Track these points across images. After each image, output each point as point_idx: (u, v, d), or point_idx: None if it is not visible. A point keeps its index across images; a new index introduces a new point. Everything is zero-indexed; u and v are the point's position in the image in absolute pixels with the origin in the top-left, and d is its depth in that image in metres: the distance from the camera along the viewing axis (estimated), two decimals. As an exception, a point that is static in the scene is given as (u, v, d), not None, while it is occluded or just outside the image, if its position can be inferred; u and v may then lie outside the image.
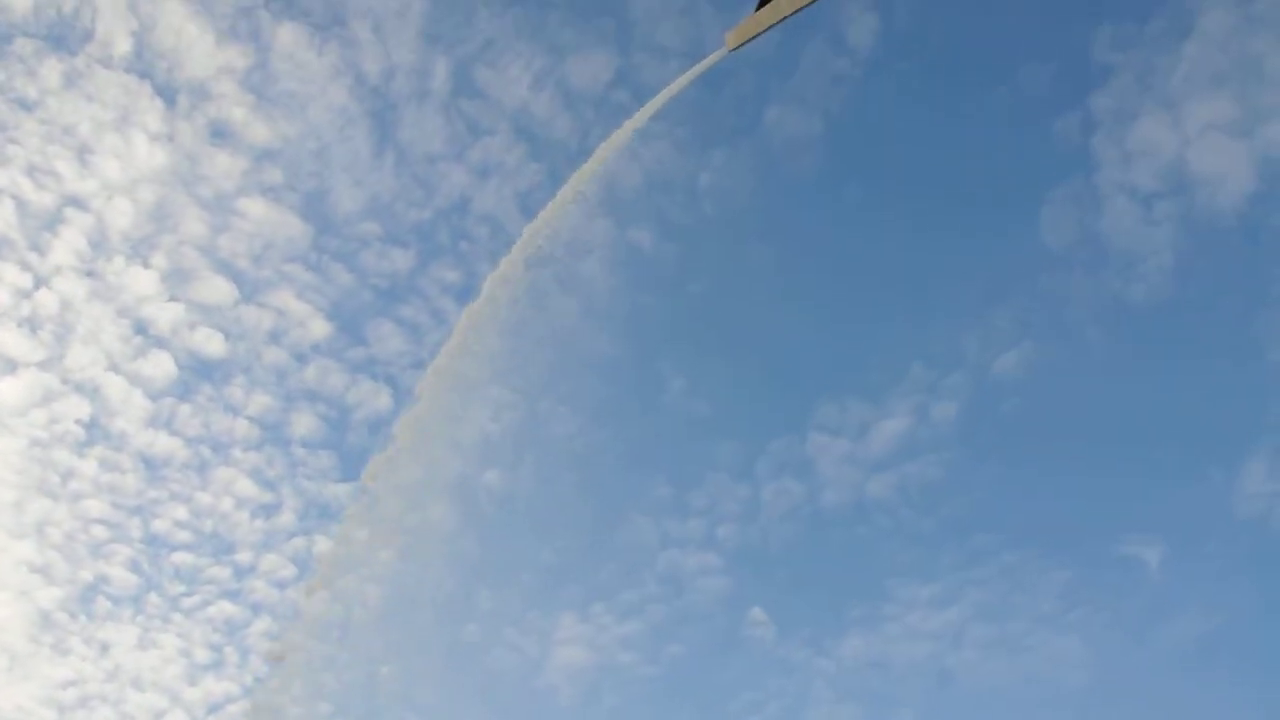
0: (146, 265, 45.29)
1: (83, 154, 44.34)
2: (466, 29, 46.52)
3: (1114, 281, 43.33)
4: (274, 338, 46.47)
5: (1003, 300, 44.89)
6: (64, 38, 43.62)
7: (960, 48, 46.37)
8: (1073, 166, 44.15)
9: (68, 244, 44.54)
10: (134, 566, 44.78)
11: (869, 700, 41.74)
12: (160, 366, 45.65)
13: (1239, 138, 41.43)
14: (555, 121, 46.70)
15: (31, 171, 43.88)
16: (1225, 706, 37.95)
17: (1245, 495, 40.48)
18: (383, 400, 46.66)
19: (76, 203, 44.56)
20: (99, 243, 44.92)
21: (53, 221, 44.47)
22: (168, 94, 44.75)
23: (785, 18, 18.22)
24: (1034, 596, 42.17)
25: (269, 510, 45.99)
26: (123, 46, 43.75)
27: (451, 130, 46.99)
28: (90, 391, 45.17)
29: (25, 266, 44.20)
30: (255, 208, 45.92)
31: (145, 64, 44.35)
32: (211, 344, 46.06)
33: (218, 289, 45.89)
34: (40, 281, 44.47)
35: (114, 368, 45.34)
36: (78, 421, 44.88)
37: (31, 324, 44.62)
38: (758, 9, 18.93)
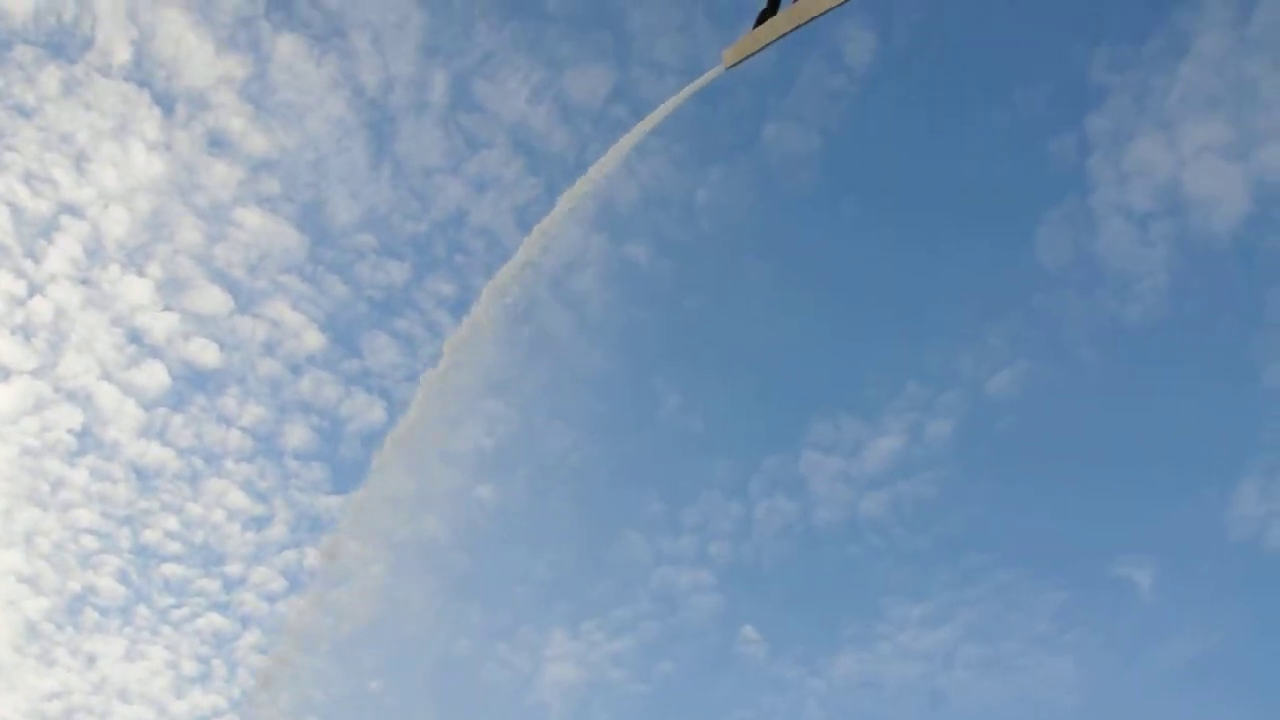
0: (142, 274, 45.25)
1: (80, 162, 44.37)
2: (465, 42, 46.68)
3: (1109, 302, 43.50)
4: (268, 349, 46.40)
5: (997, 319, 45.04)
6: (63, 45, 43.72)
7: (957, 67, 46.66)
8: (1069, 186, 44.37)
9: (63, 252, 44.50)
10: (123, 577, 44.53)
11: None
12: (154, 376, 45.52)
13: (1234, 160, 41.67)
14: (553, 135, 46.82)
15: (28, 179, 43.88)
16: (1218, 729, 37.89)
17: (1239, 516, 40.53)
18: (376, 413, 46.58)
19: (73, 210, 44.55)
20: (94, 251, 44.88)
21: (48, 229, 44.44)
22: (166, 103, 44.82)
23: (782, 36, 18.25)
24: (1027, 617, 42.15)
25: (260, 522, 45.79)
26: (122, 55, 43.83)
27: (449, 143, 47.09)
28: (83, 400, 45.03)
29: (20, 274, 44.16)
30: (252, 218, 45.92)
31: (144, 73, 44.43)
32: (206, 354, 45.97)
33: (213, 299, 45.83)
34: (35, 289, 44.41)
35: (107, 377, 45.21)
36: (69, 430, 44.71)
37: (25, 331, 44.52)
38: (755, 26, 18.98)
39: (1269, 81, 40.47)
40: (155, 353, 45.59)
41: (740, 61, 19.04)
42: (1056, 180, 44.54)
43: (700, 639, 43.76)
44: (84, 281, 44.81)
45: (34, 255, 44.25)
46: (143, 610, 44.38)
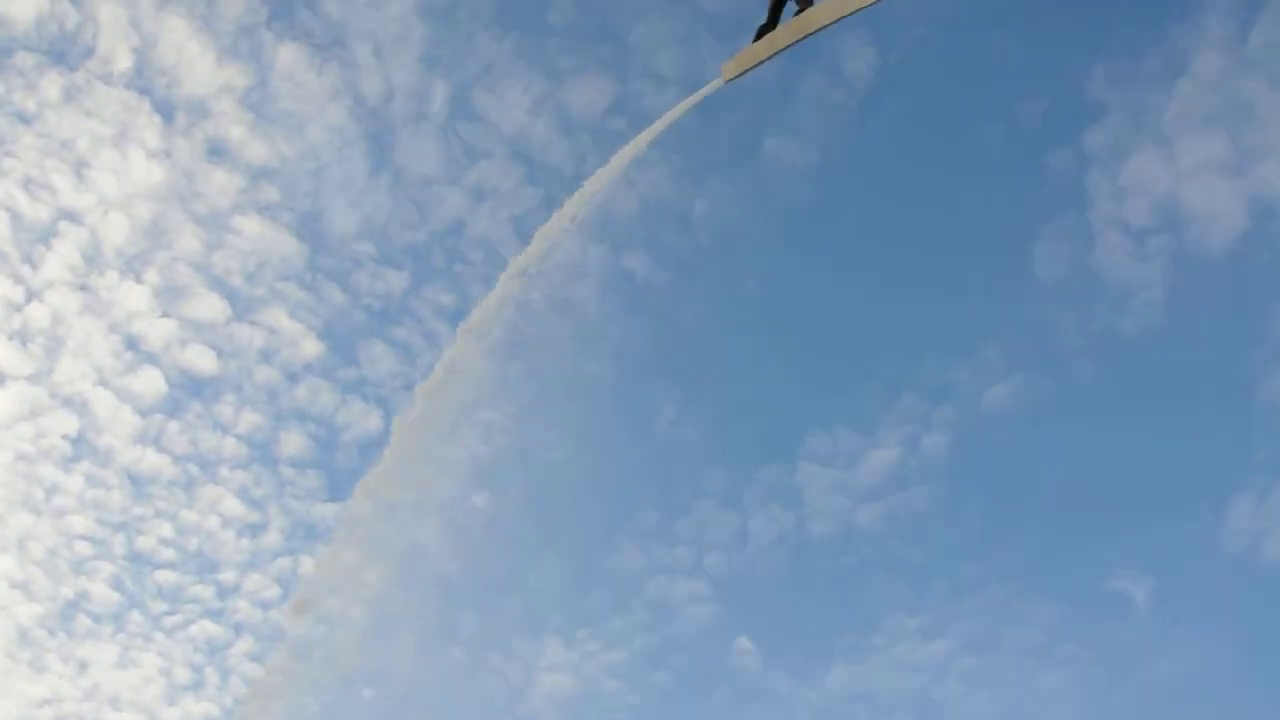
0: (139, 281, 45.22)
1: (79, 168, 44.40)
2: (466, 53, 46.80)
3: (1106, 316, 43.59)
4: (265, 356, 46.37)
5: (994, 332, 45.12)
6: (65, 53, 43.79)
7: (957, 81, 46.84)
8: (1066, 201, 44.53)
9: (61, 258, 44.46)
10: (116, 584, 44.39)
11: (855, 732, 41.50)
12: (150, 383, 45.45)
13: (1231, 177, 41.86)
14: (552, 146, 46.90)
15: (27, 184, 43.90)
16: (1212, 745, 37.87)
17: (1233, 532, 40.59)
18: (373, 422, 46.52)
19: (71, 217, 44.55)
20: (93, 257, 44.86)
21: (47, 235, 44.42)
22: (166, 110, 44.89)
23: (781, 50, 18.35)
24: (1022, 630, 42.10)
25: (255, 529, 45.68)
26: (123, 63, 43.91)
27: (448, 153, 47.17)
28: (78, 406, 44.93)
29: (18, 279, 44.09)
30: (250, 225, 45.94)
31: (145, 80, 44.51)
32: (202, 361, 45.90)
33: (210, 306, 45.78)
34: (32, 295, 44.32)
35: (103, 383, 45.15)
36: (64, 436, 44.59)
37: (22, 337, 44.44)
38: (754, 41, 19.08)
39: (1266, 100, 40.74)
40: (152, 359, 45.58)
41: (739, 75, 19.13)
42: (1054, 195, 44.74)
43: (695, 650, 43.69)
44: (82, 288, 44.84)
45: (32, 261, 44.29)
46: (136, 617, 44.30)
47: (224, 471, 45.82)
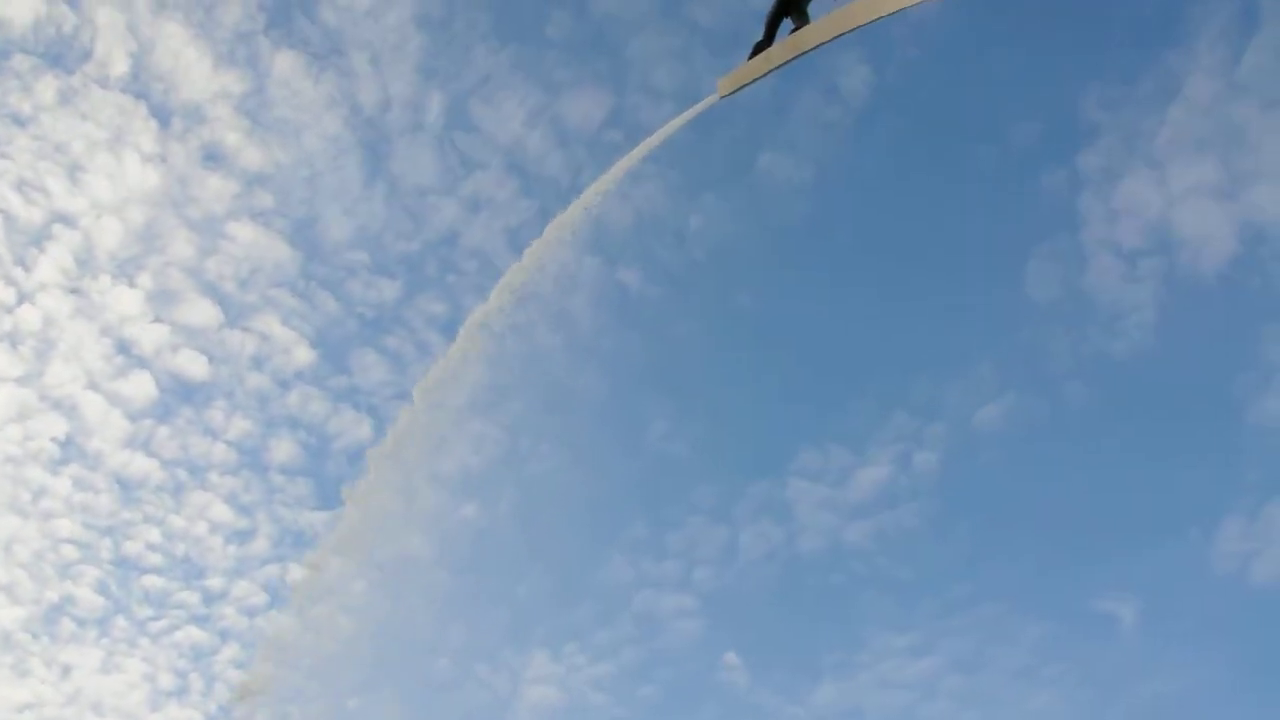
0: (132, 285, 45.20)
1: (74, 171, 44.39)
2: (463, 64, 46.96)
3: (1097, 337, 43.80)
4: (257, 363, 46.31)
5: (986, 352, 45.27)
6: (62, 56, 43.83)
7: (951, 101, 47.09)
8: (1059, 222, 44.79)
9: (54, 261, 44.46)
10: (102, 588, 44.17)
11: (841, 750, 41.40)
12: (141, 387, 45.38)
13: (1222, 201, 42.17)
14: (548, 158, 47.03)
15: (21, 187, 43.88)
16: (1197, 768, 37.87)
17: (1222, 554, 40.69)
18: (363, 430, 46.44)
19: (65, 220, 44.55)
20: (85, 261, 44.83)
21: (40, 238, 44.41)
22: (163, 115, 44.93)
23: (777, 68, 18.44)
24: (1010, 649, 42.11)
25: (243, 536, 45.53)
26: (120, 67, 43.98)
27: (444, 163, 47.26)
28: (68, 409, 44.82)
29: (9, 282, 44.05)
30: (244, 232, 45.96)
31: (142, 85, 44.57)
32: (194, 366, 45.86)
33: (203, 311, 45.77)
34: (24, 297, 44.29)
35: (93, 386, 45.05)
36: (53, 439, 44.48)
37: (12, 339, 44.37)
38: (750, 58, 19.17)
39: (1258, 125, 41.09)
40: (143, 364, 45.53)
41: (734, 91, 19.22)
42: (1047, 216, 45.03)
43: (682, 664, 43.60)
44: (74, 291, 44.80)
45: (24, 263, 44.26)
46: (121, 622, 44.06)
47: (213, 477, 45.79)
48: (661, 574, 44.70)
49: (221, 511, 45.35)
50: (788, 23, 18.95)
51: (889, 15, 15.30)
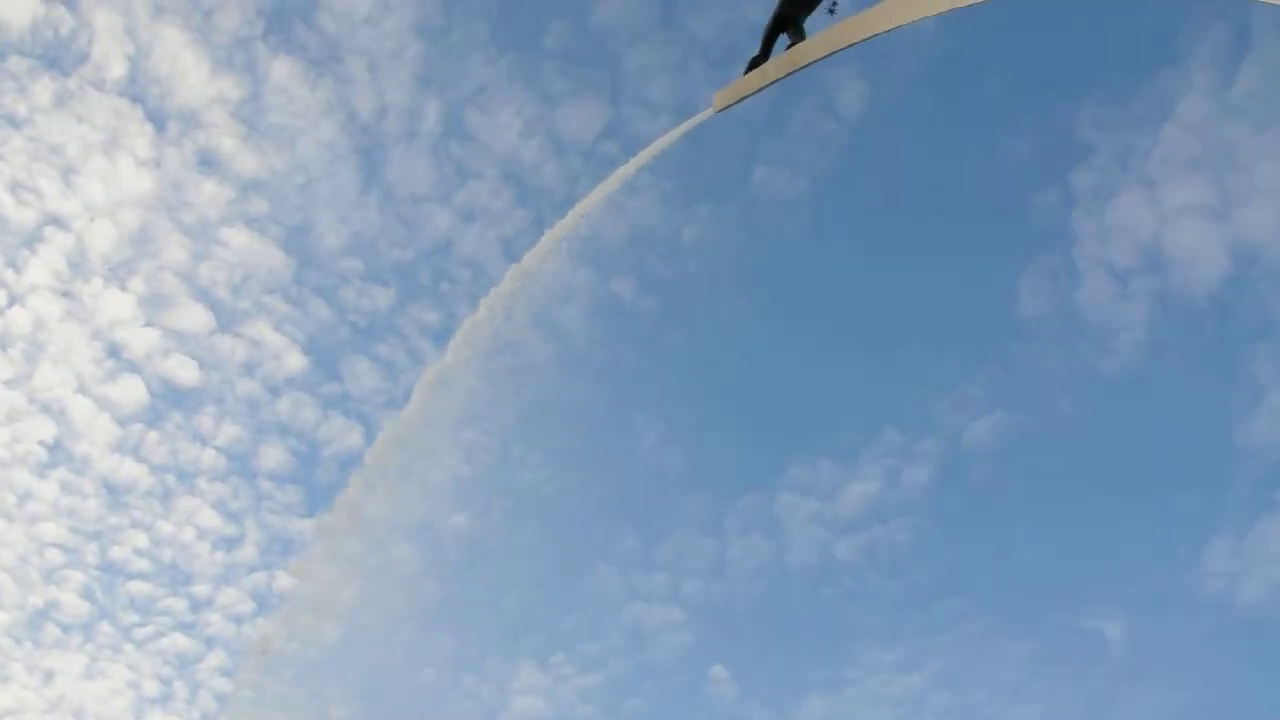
0: (124, 288, 45.09)
1: (68, 174, 44.33)
2: (460, 73, 47.09)
3: (1088, 354, 43.99)
4: (248, 369, 46.18)
5: (977, 368, 45.44)
6: (59, 58, 43.82)
7: (946, 119, 47.40)
8: (1052, 240, 45.03)
9: (46, 263, 44.34)
10: (87, 593, 43.89)
11: (828, 765, 41.33)
12: (131, 391, 45.21)
13: (1214, 221, 42.46)
14: (543, 169, 47.14)
15: (14, 188, 43.78)
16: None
17: (1210, 573, 40.82)
18: (354, 438, 46.33)
19: (58, 222, 44.46)
20: (78, 264, 44.73)
21: (32, 240, 44.31)
22: (158, 119, 44.92)
23: (773, 83, 18.53)
24: (997, 665, 42.15)
25: (231, 543, 45.32)
26: (117, 70, 43.98)
27: (439, 172, 47.32)
28: (56, 413, 44.64)
29: (0, 283, 43.93)
30: (238, 237, 45.90)
31: (138, 89, 44.58)
32: (184, 371, 45.71)
33: (195, 316, 45.66)
34: (14, 299, 44.16)
35: (83, 390, 44.86)
36: (41, 442, 44.26)
37: (2, 341, 44.20)
38: (746, 72, 19.26)
39: (1249, 146, 41.44)
40: (133, 368, 45.39)
41: (730, 105, 19.30)
42: (1040, 233, 45.30)
43: (669, 677, 43.53)
44: (65, 294, 44.66)
45: (15, 265, 44.13)
46: (105, 627, 43.78)
47: (202, 483, 45.57)
48: (650, 586, 44.68)
49: (209, 518, 45.20)
50: (784, 38, 19.06)
51: (884, 32, 15.39)
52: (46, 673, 42.52)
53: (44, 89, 43.56)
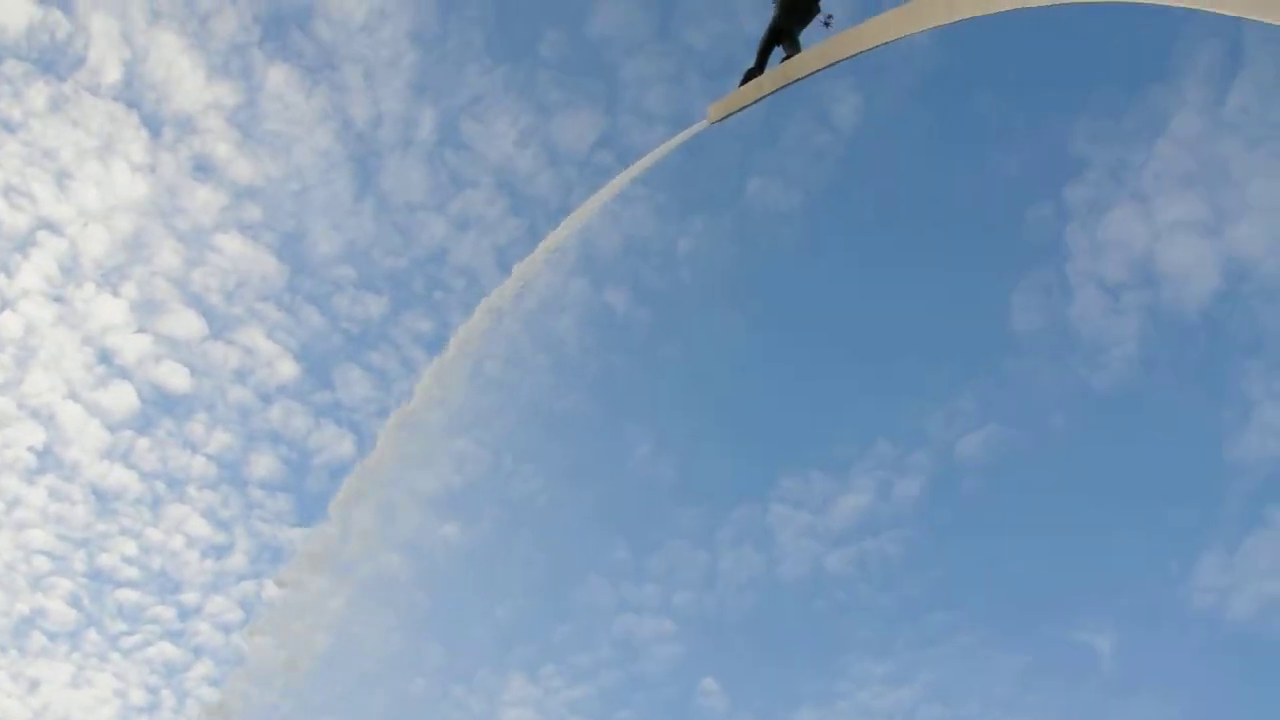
0: (116, 294, 44.95)
1: (61, 178, 44.21)
2: (456, 82, 47.11)
3: (1080, 369, 44.08)
4: (240, 376, 46.05)
5: (969, 381, 45.50)
6: (54, 63, 43.73)
7: (940, 132, 47.53)
8: (1045, 254, 45.17)
9: (38, 267, 44.20)
10: (74, 601, 43.64)
11: (818, 778, 41.22)
12: (121, 398, 45.03)
13: (1206, 236, 42.63)
14: (538, 178, 47.16)
15: (7, 192, 43.66)
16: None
17: (1200, 588, 40.88)
18: (345, 446, 46.19)
19: (51, 226, 44.33)
20: (70, 268, 44.58)
21: (24, 244, 44.17)
22: (154, 125, 44.85)
23: (768, 95, 18.54)
24: (988, 679, 42.12)
25: (220, 551, 45.14)
26: (112, 75, 43.91)
27: (434, 180, 47.29)
28: (46, 419, 44.43)
29: (-9, 288, 43.74)
30: (232, 244, 45.83)
31: (134, 94, 44.50)
32: (176, 378, 45.55)
33: (187, 323, 45.53)
34: (6, 304, 44.02)
35: (73, 396, 44.68)
36: (30, 448, 44.05)
37: (-8, 346, 43.97)
38: (741, 84, 19.28)
39: (1242, 162, 41.62)
40: (124, 374, 45.22)
41: (725, 118, 19.32)
42: (1033, 247, 45.43)
43: (660, 689, 43.41)
44: (57, 299, 44.50)
45: (7, 270, 44.00)
46: (92, 635, 43.50)
47: (191, 491, 45.38)
48: (641, 598, 44.58)
49: (199, 525, 44.99)
50: (779, 51, 19.09)
51: (880, 46, 15.42)
52: (31, 681, 42.28)
53: (39, 93, 43.53)
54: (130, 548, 44.34)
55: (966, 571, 44.69)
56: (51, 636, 43.04)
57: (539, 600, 45.15)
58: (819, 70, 17.73)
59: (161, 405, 45.53)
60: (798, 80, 18.10)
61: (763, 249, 48.38)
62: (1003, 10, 11.71)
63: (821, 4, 18.83)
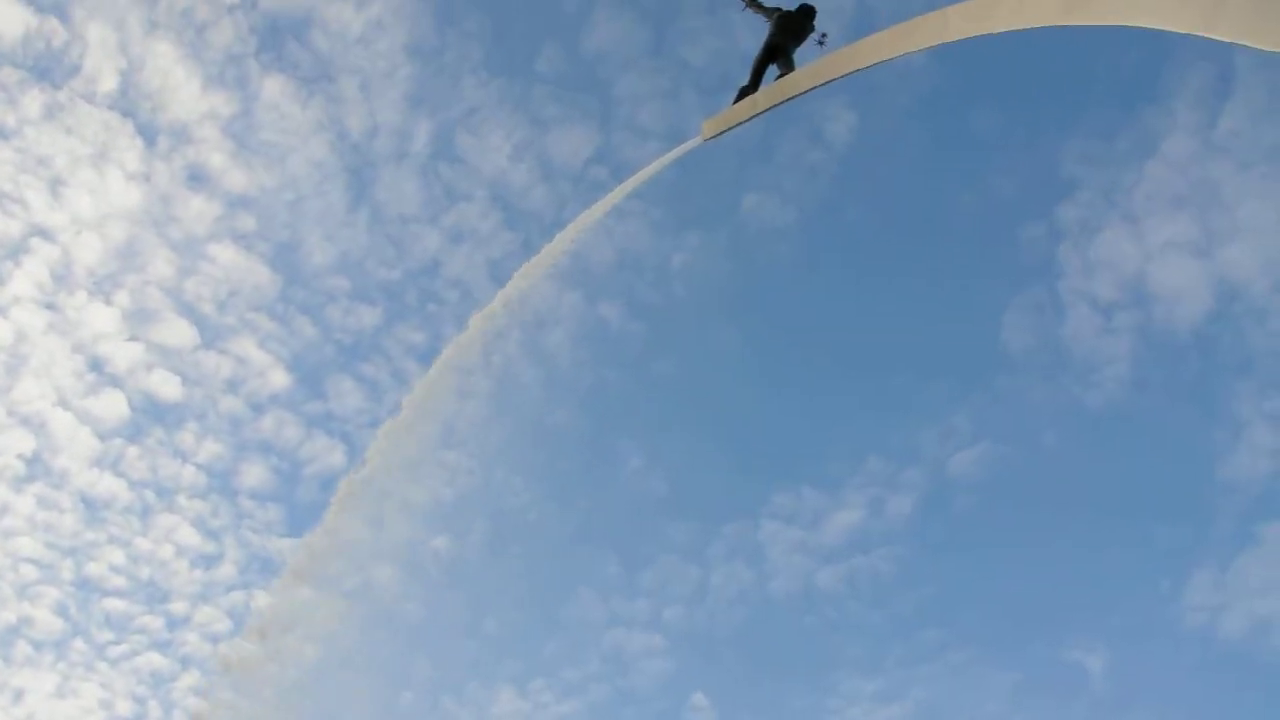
0: (109, 302, 44.87)
1: (55, 186, 44.18)
2: (452, 95, 47.23)
3: (1072, 387, 44.22)
4: (231, 386, 45.94)
5: (962, 399, 45.64)
6: (50, 70, 43.77)
7: (934, 151, 47.80)
8: (1037, 273, 45.39)
9: (30, 275, 44.11)
10: (61, 610, 43.34)
11: (807, 796, 41.08)
12: (112, 406, 44.89)
13: (1197, 257, 42.87)
14: (532, 192, 47.28)
15: (0, 199, 43.58)
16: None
17: (1192, 606, 40.92)
18: (336, 457, 46.07)
19: (43, 234, 44.27)
20: (62, 276, 44.50)
21: (16, 251, 44.09)
22: (148, 134, 44.88)
23: (762, 112, 18.62)
24: (979, 696, 42.07)
25: (209, 561, 44.91)
26: (108, 83, 43.94)
27: (428, 193, 47.38)
28: (36, 426, 44.25)
29: (-17, 294, 43.61)
30: (225, 253, 45.81)
31: (129, 102, 44.53)
32: (167, 387, 45.43)
33: (179, 332, 45.45)
34: (-3, 310, 43.83)
35: (63, 404, 44.52)
36: (19, 456, 43.85)
37: (-18, 353, 43.82)
38: (735, 101, 19.35)
39: (1233, 184, 41.92)
40: (115, 382, 45.10)
41: (719, 134, 19.39)
42: (1026, 267, 45.65)
43: (649, 703, 43.27)
44: (49, 306, 44.40)
45: (-1, 277, 43.85)
46: (79, 645, 43.20)
47: (181, 500, 45.19)
48: (632, 612, 44.47)
49: (188, 535, 44.78)
50: (774, 69, 19.19)
51: (874, 65, 15.50)
52: (16, 691, 41.95)
53: (34, 101, 43.54)
54: (119, 557, 44.16)
55: (958, 589, 44.73)
56: (37, 645, 42.79)
57: (529, 614, 45.06)
58: (813, 88, 17.79)
59: (152, 414, 45.44)
60: (792, 98, 18.15)
61: (757, 265, 48.57)
62: (997, 31, 11.79)
63: (816, 23, 18.97)
